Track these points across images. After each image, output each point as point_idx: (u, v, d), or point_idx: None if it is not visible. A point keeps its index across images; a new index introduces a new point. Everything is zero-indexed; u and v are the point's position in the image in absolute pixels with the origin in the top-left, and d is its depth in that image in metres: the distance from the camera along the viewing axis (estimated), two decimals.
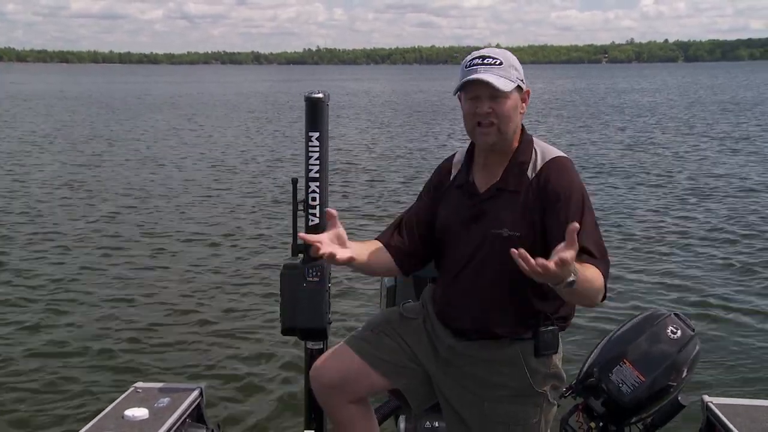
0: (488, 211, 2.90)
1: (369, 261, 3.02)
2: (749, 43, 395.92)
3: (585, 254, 2.69)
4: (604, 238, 2.87)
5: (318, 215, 3.72)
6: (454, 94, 2.91)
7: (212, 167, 19.81)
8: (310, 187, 3.71)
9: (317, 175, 3.71)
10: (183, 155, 22.36)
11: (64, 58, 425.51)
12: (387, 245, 3.12)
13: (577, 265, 2.50)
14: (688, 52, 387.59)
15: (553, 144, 3.07)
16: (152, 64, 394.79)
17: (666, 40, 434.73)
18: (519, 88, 2.87)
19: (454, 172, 3.14)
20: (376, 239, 3.16)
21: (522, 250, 2.35)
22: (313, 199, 3.72)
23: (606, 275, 2.72)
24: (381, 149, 24.18)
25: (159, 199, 15.28)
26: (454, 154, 3.23)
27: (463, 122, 2.95)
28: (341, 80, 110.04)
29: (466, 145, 3.13)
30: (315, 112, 3.70)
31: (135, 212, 13.87)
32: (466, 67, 2.88)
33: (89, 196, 15.48)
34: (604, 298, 2.77)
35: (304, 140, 3.75)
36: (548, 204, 2.81)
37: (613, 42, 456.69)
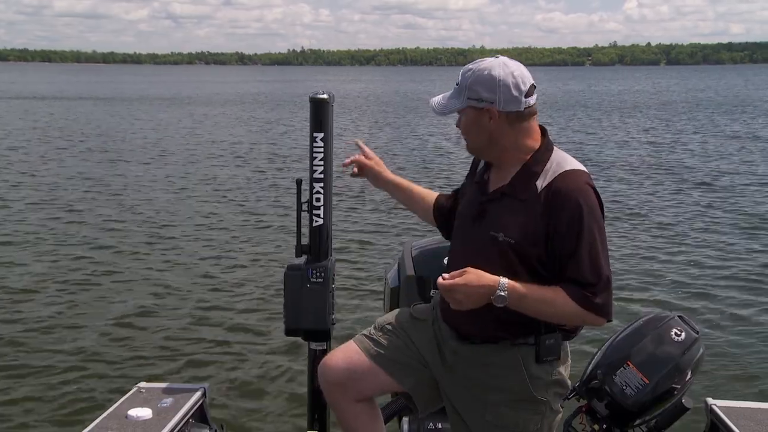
0: (490, 213, 2.91)
1: (412, 192, 3.51)
2: (730, 47, 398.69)
3: (572, 283, 2.78)
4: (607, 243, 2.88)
5: (322, 216, 3.72)
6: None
7: (215, 169, 19.82)
8: (314, 187, 3.70)
9: (321, 175, 3.69)
10: (183, 156, 22.37)
11: (46, 57, 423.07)
12: (437, 199, 3.42)
13: (531, 289, 2.74)
14: (670, 55, 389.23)
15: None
16: (136, 64, 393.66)
17: (649, 44, 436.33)
18: (474, 107, 2.88)
19: (479, 165, 3.17)
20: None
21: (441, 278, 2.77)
22: (318, 199, 3.70)
23: (588, 303, 2.76)
24: (382, 149, 24.15)
25: (162, 200, 15.32)
26: None
27: None
28: (337, 82, 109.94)
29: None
30: (319, 113, 3.68)
31: (138, 213, 13.91)
32: None
33: (91, 197, 15.49)
34: (608, 321, 2.85)
35: (308, 141, 3.74)
36: (552, 220, 2.78)
37: (597, 45, 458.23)
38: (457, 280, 2.72)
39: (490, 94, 2.82)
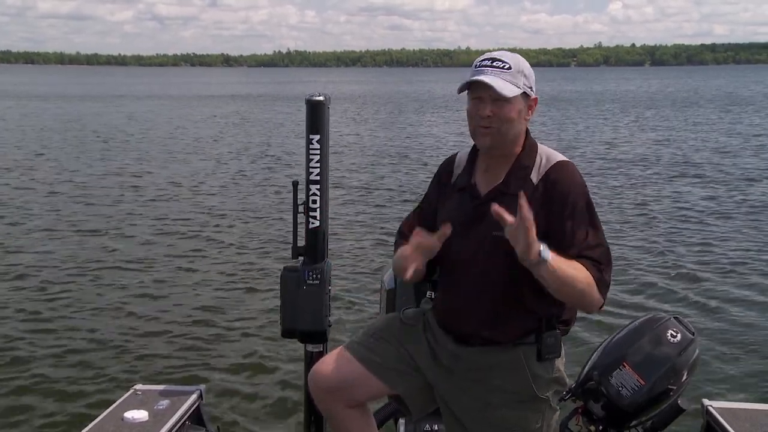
0: (489, 214, 2.81)
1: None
2: (713, 48, 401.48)
3: (587, 261, 2.78)
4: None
5: (318, 218, 3.72)
6: (459, 93, 2.91)
7: (211, 170, 19.74)
8: (310, 189, 3.70)
9: (318, 177, 3.69)
10: (179, 158, 22.32)
11: (29, 59, 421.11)
12: None
13: (560, 258, 2.65)
14: (654, 56, 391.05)
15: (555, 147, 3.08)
16: (121, 66, 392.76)
17: (633, 44, 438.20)
18: (525, 95, 2.86)
19: (455, 173, 3.12)
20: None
21: (497, 207, 2.61)
22: (314, 201, 3.70)
23: (601, 279, 2.76)
24: (377, 151, 24.23)
25: (157, 201, 15.23)
26: (454, 155, 3.21)
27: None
28: (328, 83, 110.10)
29: (464, 144, 3.14)
30: (315, 115, 3.68)
31: (133, 214, 13.83)
32: (475, 67, 2.87)
33: (84, 199, 15.42)
34: (602, 306, 2.83)
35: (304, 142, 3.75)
36: (554, 209, 2.80)
37: (582, 45, 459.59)
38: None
39: (534, 86, 2.91)
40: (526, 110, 2.90)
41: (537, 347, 2.92)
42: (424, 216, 3.17)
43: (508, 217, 2.60)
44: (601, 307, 2.84)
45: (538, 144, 2.99)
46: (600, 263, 2.78)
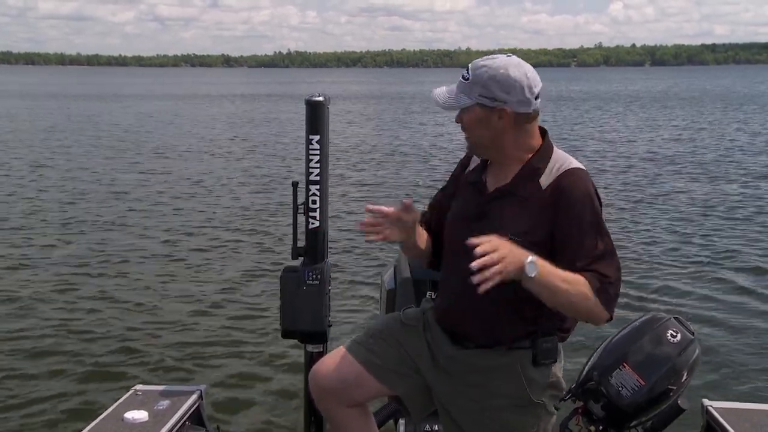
0: (492, 212, 2.85)
1: (420, 243, 3.13)
2: (713, 48, 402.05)
3: (591, 274, 2.73)
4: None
5: (318, 218, 3.72)
6: None
7: (210, 171, 19.72)
8: (310, 190, 3.70)
9: (317, 178, 3.70)
10: (182, 157, 22.34)
11: (29, 59, 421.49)
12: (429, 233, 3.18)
13: (553, 271, 2.63)
14: (655, 56, 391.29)
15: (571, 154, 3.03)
16: (121, 66, 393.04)
17: (633, 45, 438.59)
18: (484, 105, 2.80)
19: (471, 167, 3.11)
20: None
21: (473, 240, 2.56)
22: (314, 202, 3.71)
23: (603, 292, 2.72)
24: (379, 151, 24.20)
25: (157, 201, 15.21)
26: None
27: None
28: (329, 83, 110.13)
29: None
30: (315, 116, 3.68)
31: (133, 214, 13.83)
32: None
33: (89, 197, 15.51)
34: (609, 319, 2.78)
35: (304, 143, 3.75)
36: (560, 217, 2.76)
37: (582, 46, 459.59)
38: (492, 238, 2.57)
39: (505, 94, 2.77)
40: (497, 120, 2.81)
41: (532, 352, 2.91)
42: (438, 199, 3.23)
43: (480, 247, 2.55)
44: (609, 320, 2.78)
45: (555, 149, 2.93)
46: (606, 276, 2.73)
